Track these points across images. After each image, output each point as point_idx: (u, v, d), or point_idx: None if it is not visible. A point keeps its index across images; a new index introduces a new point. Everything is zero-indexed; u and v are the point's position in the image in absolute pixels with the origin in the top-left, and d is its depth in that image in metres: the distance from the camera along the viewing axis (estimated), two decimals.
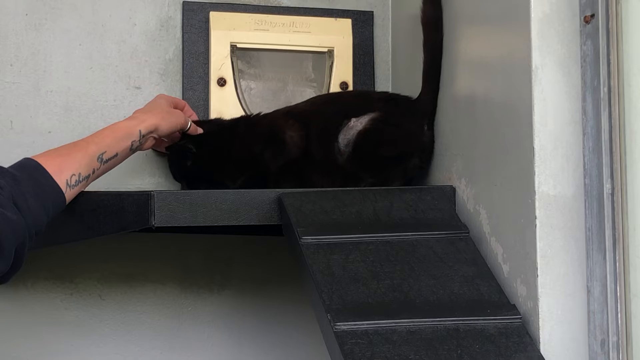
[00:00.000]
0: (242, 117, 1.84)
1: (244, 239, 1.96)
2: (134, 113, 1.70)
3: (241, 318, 2.00)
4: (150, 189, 1.55)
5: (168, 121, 1.70)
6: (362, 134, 1.71)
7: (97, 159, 1.55)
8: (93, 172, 1.55)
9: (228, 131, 1.80)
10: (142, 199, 1.53)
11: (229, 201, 1.56)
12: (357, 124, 1.72)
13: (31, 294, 1.91)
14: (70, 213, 1.53)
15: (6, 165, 1.46)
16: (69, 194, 1.50)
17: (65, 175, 1.49)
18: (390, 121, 1.73)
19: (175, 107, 1.78)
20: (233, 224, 1.57)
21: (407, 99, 1.78)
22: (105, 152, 1.57)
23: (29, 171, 1.45)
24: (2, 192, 1.36)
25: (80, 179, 1.52)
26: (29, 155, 1.49)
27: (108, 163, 1.58)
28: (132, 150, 1.63)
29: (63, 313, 1.93)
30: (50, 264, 1.91)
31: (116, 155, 1.59)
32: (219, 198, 1.56)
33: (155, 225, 1.52)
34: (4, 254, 1.33)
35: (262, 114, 1.82)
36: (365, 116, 1.72)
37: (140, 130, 1.63)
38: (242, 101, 1.91)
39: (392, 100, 1.78)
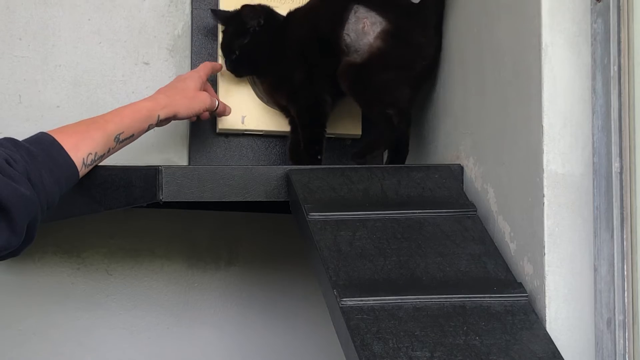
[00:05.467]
0: (291, 13, 1.85)
1: (251, 215, 1.97)
2: (157, 92, 1.69)
3: (248, 294, 2.00)
4: (159, 164, 1.55)
5: (190, 108, 1.69)
6: (375, 55, 1.70)
7: (114, 139, 1.55)
8: (108, 151, 1.55)
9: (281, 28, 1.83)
10: (150, 173, 1.53)
11: (236, 177, 1.56)
12: (370, 31, 1.71)
13: (38, 268, 1.92)
14: (78, 187, 1.53)
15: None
16: (83, 172, 1.50)
17: (82, 154, 1.48)
18: (401, 35, 1.71)
19: (205, 86, 1.78)
20: (240, 200, 1.57)
21: (413, 4, 1.76)
22: (123, 132, 1.56)
23: (45, 147, 1.44)
24: (16, 167, 1.36)
25: (96, 158, 1.52)
26: (37, 130, 1.49)
27: (123, 143, 1.58)
28: (147, 130, 1.63)
29: (70, 287, 1.93)
30: (58, 238, 1.92)
31: (132, 136, 1.59)
32: (227, 174, 1.56)
33: (163, 200, 1.52)
34: (16, 229, 1.34)
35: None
36: (376, 22, 1.71)
37: (158, 115, 1.63)
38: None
39: (402, 6, 1.75)
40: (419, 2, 1.76)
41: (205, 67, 1.79)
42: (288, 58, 1.81)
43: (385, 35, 1.71)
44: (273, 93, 1.85)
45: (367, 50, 1.71)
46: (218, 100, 1.79)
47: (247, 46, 1.82)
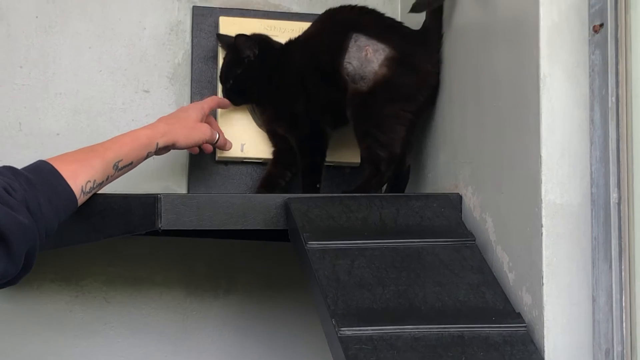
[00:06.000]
0: (289, 43, 1.86)
1: (250, 244, 1.96)
2: (158, 120, 1.69)
3: (246, 323, 2.00)
4: (158, 192, 1.55)
5: (189, 138, 1.69)
6: (380, 84, 1.71)
7: (113, 166, 1.55)
8: (107, 179, 1.55)
9: (278, 57, 1.83)
10: (149, 201, 1.53)
11: (235, 205, 1.56)
12: (373, 58, 1.72)
13: (37, 296, 1.91)
14: (77, 215, 1.53)
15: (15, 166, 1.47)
16: (82, 200, 1.50)
17: (81, 181, 1.48)
18: (408, 63, 1.73)
19: (208, 119, 1.78)
20: (239, 228, 1.57)
21: (413, 31, 1.78)
22: (122, 160, 1.57)
23: (44, 175, 1.44)
24: (15, 196, 1.37)
25: (95, 186, 1.52)
26: (37, 158, 1.49)
27: (122, 170, 1.58)
28: (146, 158, 1.64)
29: (68, 315, 1.93)
30: (56, 266, 1.92)
31: (131, 163, 1.59)
32: (226, 202, 1.56)
33: (162, 228, 1.52)
34: (14, 258, 1.34)
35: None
36: (379, 49, 1.72)
37: (157, 143, 1.64)
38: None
39: (404, 34, 1.77)
40: (421, 29, 1.77)
41: (211, 101, 1.80)
42: (288, 88, 1.81)
43: (390, 62, 1.71)
44: (272, 122, 1.86)
45: (372, 78, 1.71)
46: (219, 134, 1.79)
47: (241, 76, 1.83)
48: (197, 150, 1.79)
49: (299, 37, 1.85)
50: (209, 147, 1.80)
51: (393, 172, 1.74)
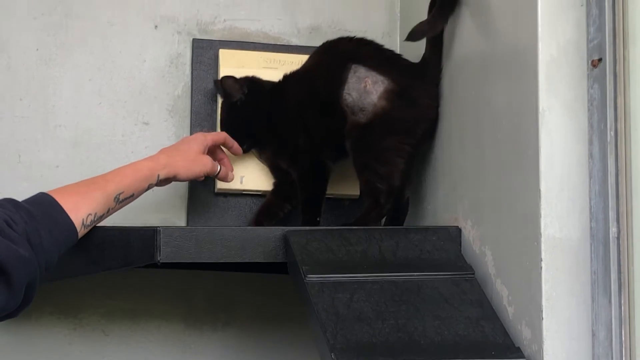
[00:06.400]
0: (285, 78, 1.86)
1: (249, 276, 1.96)
2: (160, 151, 1.69)
3: (245, 356, 1.99)
4: (157, 225, 1.54)
5: (190, 170, 1.69)
6: (379, 116, 1.71)
7: (114, 199, 1.55)
8: (108, 212, 1.55)
9: (270, 97, 1.83)
10: (148, 234, 1.53)
11: (234, 238, 1.56)
12: (372, 90, 1.72)
13: (35, 329, 1.91)
14: (76, 247, 1.52)
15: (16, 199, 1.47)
16: (82, 232, 1.50)
17: (82, 214, 1.48)
18: (407, 96, 1.73)
19: (212, 148, 1.78)
20: (238, 261, 1.56)
21: (413, 64, 1.78)
22: (123, 192, 1.56)
23: (45, 207, 1.44)
24: (16, 229, 1.36)
25: (95, 219, 1.52)
26: (36, 190, 1.49)
27: (123, 202, 1.58)
28: (147, 190, 1.63)
29: (66, 348, 1.92)
30: (55, 298, 1.91)
31: (132, 195, 1.59)
32: (225, 235, 1.56)
33: (161, 261, 1.52)
34: (15, 291, 1.33)
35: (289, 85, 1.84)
36: (378, 80, 1.72)
37: (158, 175, 1.64)
38: None
39: (404, 66, 1.77)
40: (421, 62, 1.77)
41: (216, 135, 1.79)
42: (287, 122, 1.81)
43: (389, 95, 1.71)
44: (275, 157, 1.85)
45: (371, 110, 1.72)
46: (221, 165, 1.79)
47: (238, 119, 1.83)
48: (202, 177, 1.78)
49: (297, 70, 1.86)
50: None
51: (392, 204, 1.74)
